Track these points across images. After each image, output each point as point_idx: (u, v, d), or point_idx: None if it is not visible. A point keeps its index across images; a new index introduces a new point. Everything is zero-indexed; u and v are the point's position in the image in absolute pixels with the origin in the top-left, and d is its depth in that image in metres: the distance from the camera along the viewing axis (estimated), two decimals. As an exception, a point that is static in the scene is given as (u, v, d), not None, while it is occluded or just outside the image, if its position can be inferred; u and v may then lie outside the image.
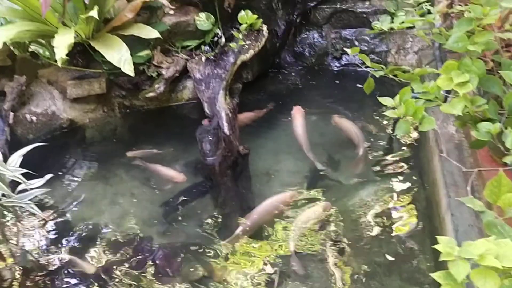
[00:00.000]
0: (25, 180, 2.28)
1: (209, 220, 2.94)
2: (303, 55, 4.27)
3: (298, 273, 2.51)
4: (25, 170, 2.36)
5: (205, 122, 3.56)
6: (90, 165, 3.51)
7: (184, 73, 3.73)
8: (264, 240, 2.73)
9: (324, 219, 2.84)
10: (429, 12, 2.63)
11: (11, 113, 3.19)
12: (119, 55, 3.02)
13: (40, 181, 2.46)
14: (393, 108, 1.91)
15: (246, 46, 3.69)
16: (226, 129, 3.30)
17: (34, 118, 3.39)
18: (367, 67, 4.08)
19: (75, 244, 2.87)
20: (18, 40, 3.27)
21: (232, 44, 3.61)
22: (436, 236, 1.29)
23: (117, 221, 3.01)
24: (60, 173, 3.34)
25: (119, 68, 3.48)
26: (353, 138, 3.38)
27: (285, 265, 2.57)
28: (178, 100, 3.84)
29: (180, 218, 3.01)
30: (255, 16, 3.61)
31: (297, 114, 3.54)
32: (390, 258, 2.62)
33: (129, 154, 3.43)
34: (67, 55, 2.91)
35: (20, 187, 2.44)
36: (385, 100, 1.94)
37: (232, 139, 3.27)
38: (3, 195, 2.28)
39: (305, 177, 3.22)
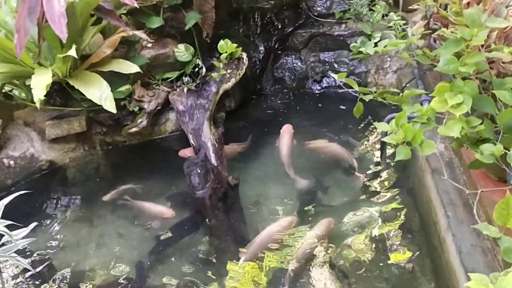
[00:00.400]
0: (10, 233, 2.15)
1: (203, 256, 2.85)
2: (283, 80, 4.27)
3: None
4: (9, 222, 2.23)
5: (181, 152, 3.51)
6: (73, 208, 3.38)
7: (166, 105, 3.68)
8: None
9: (318, 244, 2.80)
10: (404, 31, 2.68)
11: (-12, 159, 3.05)
12: (99, 93, 2.94)
13: (24, 231, 2.32)
14: (389, 133, 1.88)
15: (228, 75, 3.66)
16: (213, 160, 3.24)
17: (12, 162, 3.25)
18: (349, 88, 4.14)
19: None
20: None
21: (214, 74, 3.58)
22: (469, 274, 1.25)
23: (105, 264, 2.88)
24: (42, 218, 3.20)
25: (99, 105, 3.41)
26: (340, 158, 3.43)
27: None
28: (161, 133, 3.76)
29: (172, 256, 2.91)
30: (235, 44, 3.60)
31: (285, 133, 3.56)
32: (391, 283, 2.58)
33: (105, 198, 3.29)
34: (44, 95, 2.82)
35: (3, 239, 2.30)
36: (380, 126, 1.93)
37: (220, 170, 3.20)
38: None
39: (295, 202, 3.17)
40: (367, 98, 2.44)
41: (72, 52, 2.74)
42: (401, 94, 2.32)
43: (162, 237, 3.00)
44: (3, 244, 2.27)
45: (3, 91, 3.47)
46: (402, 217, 2.99)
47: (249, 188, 3.27)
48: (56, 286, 2.77)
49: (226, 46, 3.58)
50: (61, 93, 3.41)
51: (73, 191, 3.57)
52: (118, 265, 2.88)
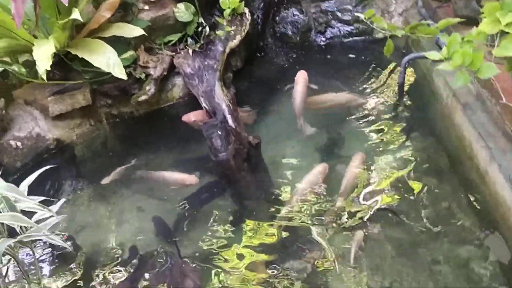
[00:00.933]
0: (47, 208, 2.01)
1: (232, 218, 2.77)
2: (286, 35, 4.12)
3: None
4: (42, 197, 2.09)
5: (185, 117, 3.33)
6: (86, 186, 3.23)
7: (171, 70, 3.50)
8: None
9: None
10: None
11: (-6, 142, 2.86)
12: (105, 59, 2.76)
13: (54, 207, 2.18)
14: (440, 60, 1.79)
15: (232, 32, 3.49)
16: (230, 121, 3.11)
17: (19, 143, 3.07)
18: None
19: (96, 272, 2.61)
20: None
21: (219, 32, 3.41)
22: None
23: (131, 239, 2.77)
24: (55, 199, 3.05)
25: (102, 75, 3.24)
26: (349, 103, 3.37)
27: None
28: (168, 100, 3.60)
29: (199, 222, 2.82)
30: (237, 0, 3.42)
31: (299, 79, 3.46)
32: (430, 223, 2.53)
33: (104, 181, 3.12)
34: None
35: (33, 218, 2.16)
36: (432, 55, 1.82)
37: (239, 131, 3.08)
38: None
39: (314, 156, 3.09)
40: (399, 33, 2.33)
41: (76, 15, 2.54)
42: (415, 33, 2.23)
43: (184, 206, 2.91)
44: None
45: (-1, 70, 3.26)
46: (428, 158, 2.95)
47: (264, 150, 3.16)
48: (84, 265, 2.67)
49: (228, 1, 3.40)
50: (60, 66, 3.20)
51: (84, 169, 3.43)
52: (143, 238, 2.78)
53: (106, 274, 2.59)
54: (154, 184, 3.11)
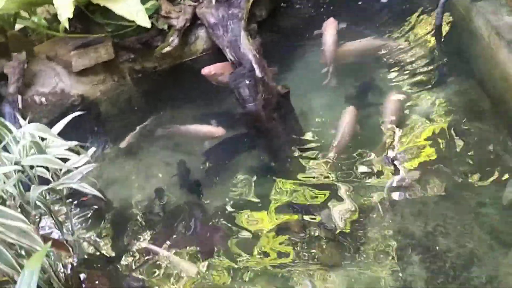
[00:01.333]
0: (83, 152, 1.96)
1: (265, 165, 2.71)
2: (312, -17, 3.91)
3: None
4: (75, 142, 2.02)
5: (205, 70, 3.18)
6: (112, 142, 3.18)
7: (194, 22, 3.37)
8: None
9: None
10: None
11: (19, 97, 2.80)
12: (129, 7, 2.66)
13: (84, 157, 2.13)
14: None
15: (257, -22, 3.34)
16: (258, 71, 2.97)
17: (43, 99, 3.01)
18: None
19: (126, 225, 2.59)
20: (6, 12, 2.86)
21: (243, -23, 3.25)
22: None
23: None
24: (85, 144, 3.00)
25: (124, 28, 3.16)
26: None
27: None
28: (192, 53, 3.49)
29: (229, 172, 2.75)
30: None
31: (329, 26, 3.31)
32: (475, 166, 2.41)
33: (122, 145, 3.03)
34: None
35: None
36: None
37: (267, 81, 2.96)
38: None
39: (344, 106, 2.93)
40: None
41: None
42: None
43: (211, 159, 2.84)
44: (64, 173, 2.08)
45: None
46: (469, 101, 2.80)
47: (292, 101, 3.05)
48: (114, 218, 2.64)
49: None
50: (81, 19, 3.12)
51: (109, 126, 3.37)
52: (172, 192, 2.73)
53: (135, 227, 2.59)
54: (181, 139, 3.04)
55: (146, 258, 2.29)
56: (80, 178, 2.08)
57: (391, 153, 2.52)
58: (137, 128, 3.10)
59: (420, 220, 2.18)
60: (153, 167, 2.95)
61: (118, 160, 3.03)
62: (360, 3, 3.78)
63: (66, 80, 3.18)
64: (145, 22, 2.66)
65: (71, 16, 2.47)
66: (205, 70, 3.21)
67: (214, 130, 2.93)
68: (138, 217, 2.63)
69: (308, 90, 3.20)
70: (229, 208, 2.51)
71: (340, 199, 2.38)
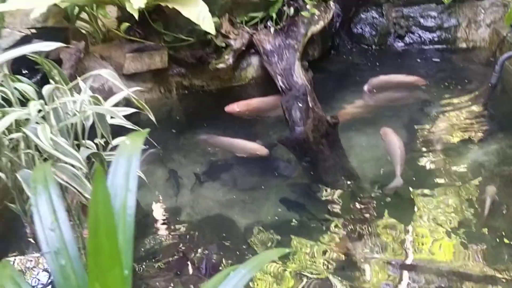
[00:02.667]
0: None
1: (310, 191, 2.58)
2: (362, 36, 4.01)
3: None
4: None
5: (229, 108, 3.15)
6: (144, 152, 3.08)
7: (248, 50, 3.41)
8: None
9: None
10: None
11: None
12: (197, 11, 2.69)
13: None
14: None
15: (316, 17, 3.41)
16: (309, 99, 2.94)
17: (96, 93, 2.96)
18: (434, 45, 3.87)
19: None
20: (73, 2, 2.92)
21: (304, 13, 3.33)
22: None
23: (188, 204, 2.61)
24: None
25: (182, 41, 3.19)
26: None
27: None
28: (241, 79, 3.49)
29: (268, 193, 2.63)
30: (326, -17, 3.36)
31: (388, 133, 2.90)
32: None
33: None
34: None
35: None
36: None
37: (317, 110, 2.91)
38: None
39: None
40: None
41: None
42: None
43: (252, 177, 2.75)
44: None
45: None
46: None
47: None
48: (139, 222, 2.49)
49: (317, -15, 3.34)
50: (142, 25, 3.16)
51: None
52: (202, 205, 2.60)
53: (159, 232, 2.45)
54: (218, 151, 2.96)
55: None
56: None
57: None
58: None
59: None
60: (184, 178, 2.83)
61: (149, 166, 2.93)
62: (406, 62, 3.82)
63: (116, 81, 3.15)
64: (210, 28, 2.68)
65: (143, 6, 2.49)
66: (229, 108, 3.18)
67: (258, 147, 2.83)
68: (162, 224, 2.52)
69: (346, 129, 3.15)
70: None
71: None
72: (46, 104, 1.62)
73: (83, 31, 3.25)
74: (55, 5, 2.67)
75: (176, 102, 3.45)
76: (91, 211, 0.84)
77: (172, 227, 2.50)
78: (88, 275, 0.90)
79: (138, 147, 1.01)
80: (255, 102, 3.27)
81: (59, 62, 2.90)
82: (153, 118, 1.90)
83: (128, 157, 0.99)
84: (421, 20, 3.89)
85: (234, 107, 3.19)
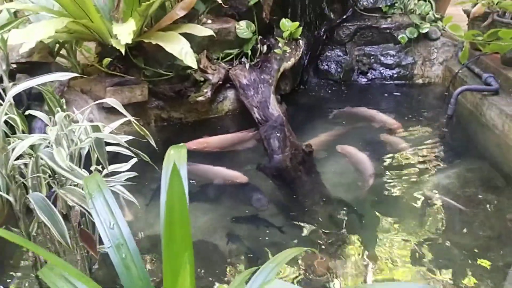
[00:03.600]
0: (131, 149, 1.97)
1: (292, 216, 2.71)
2: (329, 72, 4.30)
3: None
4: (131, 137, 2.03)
5: (189, 144, 3.24)
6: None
7: (224, 84, 3.59)
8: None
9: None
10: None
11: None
12: (179, 47, 2.85)
13: (126, 165, 2.12)
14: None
15: (287, 54, 3.65)
16: (285, 130, 3.13)
17: (73, 125, 3.02)
18: (395, 80, 4.19)
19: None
20: (55, 40, 3.02)
21: (277, 50, 3.56)
22: None
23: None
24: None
25: (161, 76, 3.33)
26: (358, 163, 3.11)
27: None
28: (218, 111, 3.65)
29: (251, 221, 2.73)
30: (297, 23, 3.63)
31: (345, 148, 3.25)
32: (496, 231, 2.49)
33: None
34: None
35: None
36: None
37: (293, 139, 3.10)
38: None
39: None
40: (469, 39, 2.47)
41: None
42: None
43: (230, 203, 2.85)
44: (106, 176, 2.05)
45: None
46: (482, 177, 2.93)
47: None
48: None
49: (288, 24, 3.60)
50: (123, 60, 3.28)
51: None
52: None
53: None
54: (197, 178, 3.04)
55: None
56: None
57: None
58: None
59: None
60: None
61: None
62: (369, 95, 4.11)
63: (96, 114, 3.23)
64: (192, 63, 2.84)
65: (130, 42, 2.62)
66: (187, 145, 3.28)
67: (237, 175, 2.95)
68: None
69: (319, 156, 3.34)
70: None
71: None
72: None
73: (64, 66, 3.34)
74: (41, 41, 2.76)
75: (155, 133, 3.54)
76: (167, 203, 0.95)
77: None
78: (163, 258, 0.99)
79: (183, 154, 1.13)
80: (213, 140, 3.36)
81: (41, 95, 2.97)
82: (153, 143, 1.98)
83: (177, 162, 1.11)
84: (382, 58, 4.23)
85: (190, 146, 3.26)
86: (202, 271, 2.34)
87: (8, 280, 2.19)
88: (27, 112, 1.92)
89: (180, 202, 0.96)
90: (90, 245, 1.90)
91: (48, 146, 1.68)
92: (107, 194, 1.15)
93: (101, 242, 2.06)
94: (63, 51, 3.41)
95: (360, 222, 2.64)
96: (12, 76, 2.91)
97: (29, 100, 2.95)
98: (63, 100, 2.12)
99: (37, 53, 2.89)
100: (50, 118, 1.80)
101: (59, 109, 1.91)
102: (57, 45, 3.25)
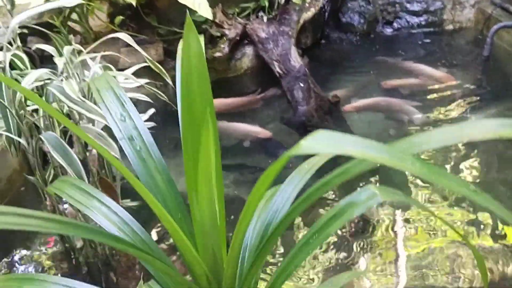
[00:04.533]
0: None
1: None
2: (351, 25, 4.06)
3: None
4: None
5: None
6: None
7: (241, 40, 3.42)
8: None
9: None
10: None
11: (66, 78, 2.72)
12: (192, -2, 2.69)
13: (144, 116, 2.00)
14: None
15: (307, 5, 3.45)
16: (309, 81, 2.96)
17: (87, 88, 2.93)
18: (422, 28, 3.94)
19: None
20: None
21: (296, 0, 3.36)
22: None
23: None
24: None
25: (175, 34, 3.19)
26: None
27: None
28: (236, 69, 3.49)
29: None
30: (315, -30, 3.41)
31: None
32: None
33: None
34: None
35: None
36: None
37: (317, 90, 2.92)
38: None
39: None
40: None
41: None
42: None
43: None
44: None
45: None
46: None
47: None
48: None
49: (306, -28, 3.39)
50: (136, 20, 3.15)
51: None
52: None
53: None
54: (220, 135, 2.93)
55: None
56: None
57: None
58: None
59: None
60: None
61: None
62: (395, 46, 3.88)
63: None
64: (207, 13, 2.68)
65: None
66: None
67: (260, 130, 2.83)
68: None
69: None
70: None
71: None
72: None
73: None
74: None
75: (172, 95, 3.42)
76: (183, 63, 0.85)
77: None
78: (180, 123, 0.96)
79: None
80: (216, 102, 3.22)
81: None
82: (169, 81, 1.86)
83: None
84: (408, 5, 3.97)
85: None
86: (232, 217, 2.24)
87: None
88: (34, 47, 1.80)
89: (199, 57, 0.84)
90: (111, 196, 1.81)
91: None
92: (116, 88, 1.07)
93: (123, 196, 1.99)
94: (74, 16, 3.30)
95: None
96: (23, 40, 2.83)
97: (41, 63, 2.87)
98: (71, 36, 1.99)
99: (46, 15, 2.78)
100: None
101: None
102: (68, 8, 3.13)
